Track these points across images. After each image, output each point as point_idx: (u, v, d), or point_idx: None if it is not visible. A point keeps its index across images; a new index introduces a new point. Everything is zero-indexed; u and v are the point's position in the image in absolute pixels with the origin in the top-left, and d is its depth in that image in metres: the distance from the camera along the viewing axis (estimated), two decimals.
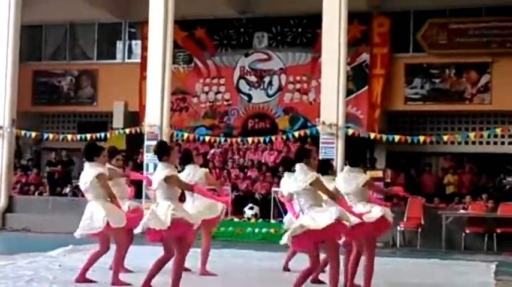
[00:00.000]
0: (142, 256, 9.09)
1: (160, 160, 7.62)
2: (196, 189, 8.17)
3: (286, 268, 9.88)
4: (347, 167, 8.16)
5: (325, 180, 8.20)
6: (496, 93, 18.61)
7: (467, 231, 14.66)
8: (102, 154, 8.44)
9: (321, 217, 7.15)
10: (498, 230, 14.43)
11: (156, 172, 7.63)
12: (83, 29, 23.05)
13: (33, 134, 19.49)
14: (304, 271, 7.31)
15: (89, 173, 8.30)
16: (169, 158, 7.66)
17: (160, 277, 8.29)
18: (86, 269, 8.42)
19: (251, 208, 16.34)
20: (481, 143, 19.64)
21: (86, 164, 8.37)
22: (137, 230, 7.58)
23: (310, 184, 7.26)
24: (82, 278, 8.36)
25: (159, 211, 7.40)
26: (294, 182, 7.44)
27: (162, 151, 7.68)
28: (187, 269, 9.69)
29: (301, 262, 8.24)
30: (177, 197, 7.65)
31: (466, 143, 19.39)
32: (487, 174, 18.54)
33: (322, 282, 8.59)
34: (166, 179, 7.46)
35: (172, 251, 7.49)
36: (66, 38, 23.11)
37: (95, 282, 8.31)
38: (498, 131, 17.25)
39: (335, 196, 7.47)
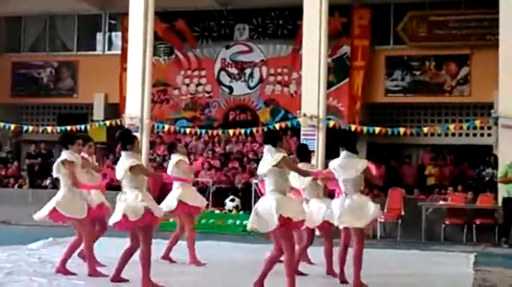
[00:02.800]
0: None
1: (124, 149, 7.59)
2: (165, 176, 8.06)
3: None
4: (345, 152, 7.80)
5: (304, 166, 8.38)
6: (475, 85, 18.75)
7: (447, 222, 14.75)
8: (76, 143, 8.44)
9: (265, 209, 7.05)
10: (477, 221, 14.54)
11: (120, 161, 7.59)
12: (63, 20, 22.89)
13: (12, 126, 19.37)
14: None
15: (58, 160, 8.36)
16: (132, 147, 7.63)
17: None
18: (65, 259, 8.41)
19: (232, 200, 16.33)
20: (460, 134, 19.79)
21: (62, 152, 8.41)
22: (111, 221, 7.56)
23: (275, 165, 7.01)
24: (63, 269, 8.34)
25: (128, 200, 7.39)
26: (262, 164, 7.21)
27: (126, 140, 7.63)
28: (172, 261, 9.69)
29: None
30: (143, 186, 7.62)
31: (446, 135, 19.54)
32: (467, 166, 18.66)
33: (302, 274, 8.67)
34: (131, 169, 7.45)
35: (138, 240, 7.47)
36: (45, 29, 22.94)
37: (74, 274, 8.30)
38: (477, 122, 17.35)
39: (307, 172, 7.35)
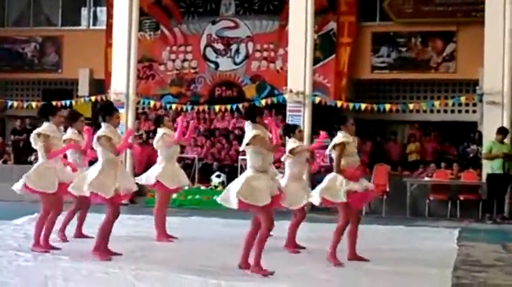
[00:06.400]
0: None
1: (103, 120, 7.83)
2: (120, 150, 7.92)
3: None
4: None
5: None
6: (460, 62, 18.77)
7: (431, 198, 14.87)
8: (58, 114, 8.36)
9: (233, 185, 7.07)
10: (461, 197, 14.67)
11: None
12: None
13: None
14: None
15: (34, 131, 8.32)
16: (110, 119, 7.85)
17: (127, 242, 8.34)
18: (46, 235, 8.43)
19: (218, 176, 16.36)
20: (445, 111, 19.87)
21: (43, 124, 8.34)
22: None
23: (248, 143, 7.03)
24: (45, 244, 8.36)
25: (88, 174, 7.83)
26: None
27: (105, 112, 7.92)
28: (171, 237, 9.68)
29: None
30: (107, 160, 7.73)
31: (432, 111, 19.63)
32: (451, 142, 18.78)
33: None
34: (98, 139, 7.70)
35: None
36: (30, 4, 22.70)
37: (59, 249, 8.33)
38: (462, 99, 17.41)
39: (274, 147, 7.18)
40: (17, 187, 8.30)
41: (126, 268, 7.22)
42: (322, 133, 9.36)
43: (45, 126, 8.25)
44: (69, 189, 7.95)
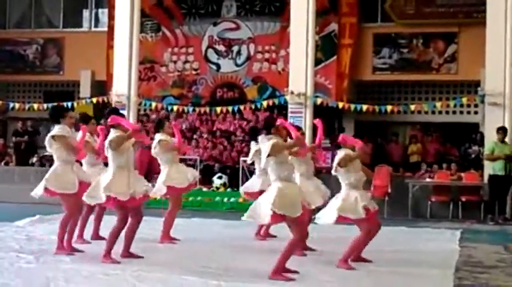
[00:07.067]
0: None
1: (112, 126, 7.78)
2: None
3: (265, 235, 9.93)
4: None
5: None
6: (462, 63, 18.77)
7: (433, 199, 14.84)
8: (68, 115, 8.29)
9: (263, 200, 6.99)
10: (463, 198, 14.64)
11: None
12: None
13: None
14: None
15: (48, 135, 8.24)
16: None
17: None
18: (69, 238, 8.41)
19: (220, 177, 16.35)
20: (447, 112, 19.86)
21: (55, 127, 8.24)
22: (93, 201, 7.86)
23: (269, 155, 6.90)
24: (69, 247, 8.36)
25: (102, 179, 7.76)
26: (262, 157, 7.06)
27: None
28: (174, 239, 9.67)
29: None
30: (120, 163, 7.68)
31: (433, 112, 19.62)
32: (453, 143, 18.77)
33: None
34: (109, 144, 7.63)
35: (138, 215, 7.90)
36: (31, 5, 22.73)
37: (82, 251, 8.35)
38: (464, 100, 17.42)
39: (296, 144, 7.21)
40: (37, 192, 8.21)
41: (128, 269, 7.22)
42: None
43: (58, 128, 8.14)
44: (84, 199, 7.82)
